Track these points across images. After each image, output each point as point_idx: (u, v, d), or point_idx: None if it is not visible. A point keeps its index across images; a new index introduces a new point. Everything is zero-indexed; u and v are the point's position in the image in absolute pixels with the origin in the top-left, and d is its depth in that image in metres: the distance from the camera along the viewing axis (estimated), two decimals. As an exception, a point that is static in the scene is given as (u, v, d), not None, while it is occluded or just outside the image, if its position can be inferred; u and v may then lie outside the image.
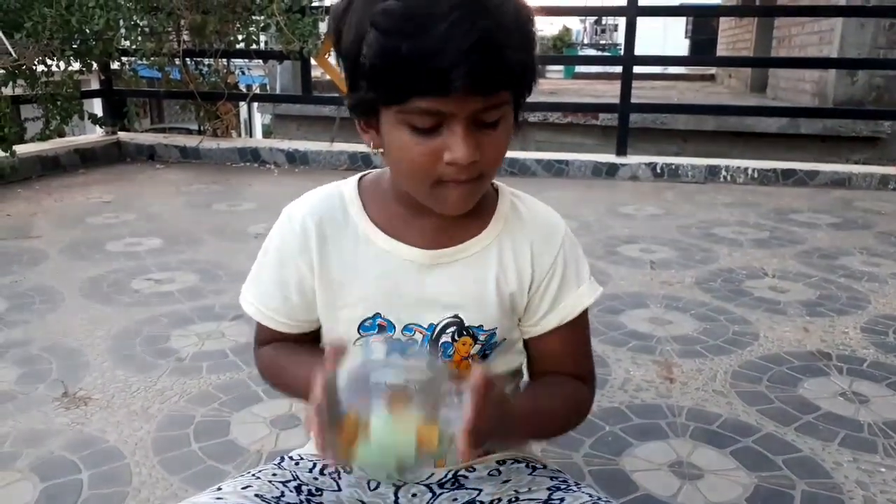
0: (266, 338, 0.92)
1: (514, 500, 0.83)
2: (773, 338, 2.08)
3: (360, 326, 0.84)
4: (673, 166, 4.60)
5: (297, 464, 0.92)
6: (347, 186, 0.88)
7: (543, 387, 0.88)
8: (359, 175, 0.90)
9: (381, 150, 0.78)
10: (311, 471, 0.90)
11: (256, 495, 0.81)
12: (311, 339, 0.93)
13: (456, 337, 0.84)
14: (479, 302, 0.84)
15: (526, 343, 0.91)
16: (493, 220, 0.86)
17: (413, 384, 0.65)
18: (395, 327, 0.84)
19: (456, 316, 0.84)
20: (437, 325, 0.83)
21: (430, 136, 0.71)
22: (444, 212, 0.79)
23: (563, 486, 0.84)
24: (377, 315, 0.84)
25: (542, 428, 0.87)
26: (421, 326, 0.83)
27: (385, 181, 0.85)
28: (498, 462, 0.91)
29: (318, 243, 0.85)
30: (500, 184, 0.90)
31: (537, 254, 0.86)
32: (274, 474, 0.88)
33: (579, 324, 0.90)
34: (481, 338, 0.85)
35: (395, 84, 0.69)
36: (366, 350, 0.69)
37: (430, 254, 0.83)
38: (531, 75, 0.75)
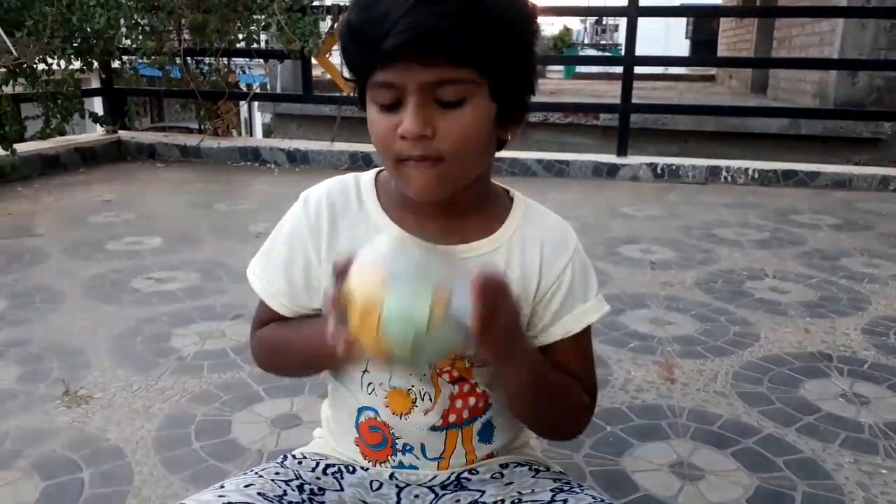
0: (265, 319, 0.93)
1: (517, 501, 0.83)
2: (773, 339, 2.09)
3: None
4: (674, 167, 4.60)
5: (300, 463, 0.92)
6: (365, 176, 0.90)
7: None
8: (378, 169, 0.91)
9: None
10: (313, 470, 0.90)
11: (259, 493, 0.81)
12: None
13: None
14: None
15: None
16: (504, 224, 0.86)
17: (426, 267, 0.66)
18: None
19: None
20: None
21: (392, 112, 0.74)
22: (412, 196, 0.79)
23: (566, 488, 0.84)
24: None
25: (543, 382, 0.83)
26: None
27: None
28: (501, 465, 0.91)
29: (330, 227, 0.86)
30: (516, 192, 0.90)
31: (546, 263, 0.86)
32: (277, 473, 0.88)
33: (583, 339, 0.89)
34: None
35: (354, 59, 0.74)
36: (374, 244, 0.69)
37: None
38: (509, 66, 0.75)
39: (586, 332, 0.89)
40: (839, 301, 2.41)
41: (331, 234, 0.86)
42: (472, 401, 0.88)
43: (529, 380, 0.80)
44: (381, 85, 0.73)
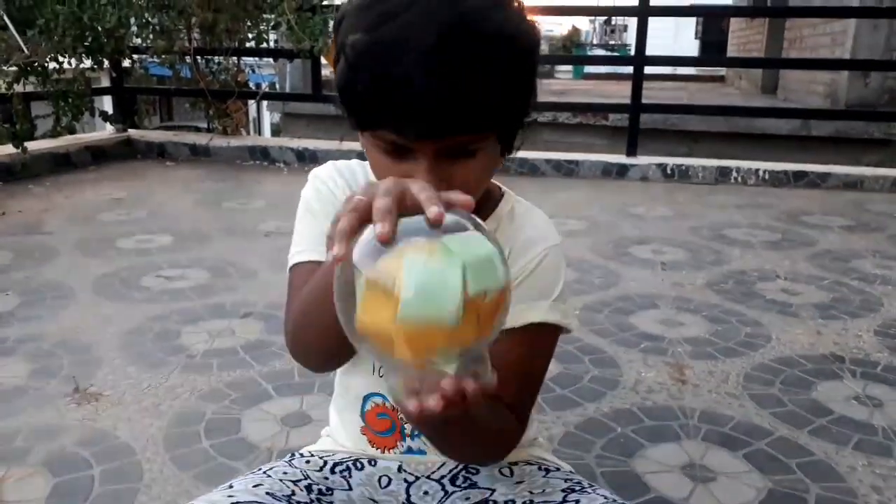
0: (301, 285, 0.84)
1: (528, 501, 0.83)
2: (785, 340, 2.07)
3: None
4: (683, 167, 4.57)
5: (307, 462, 0.92)
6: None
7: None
8: None
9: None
10: (321, 469, 0.90)
11: (268, 493, 0.81)
12: None
13: None
14: None
15: None
16: (488, 220, 0.85)
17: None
18: None
19: None
20: None
21: (401, 160, 0.70)
22: None
23: (577, 489, 0.83)
24: None
25: (475, 429, 0.71)
26: None
27: None
28: (510, 462, 0.90)
29: (343, 191, 0.86)
30: (508, 190, 0.89)
31: (512, 259, 0.83)
32: (285, 472, 0.87)
33: (530, 342, 0.81)
34: None
35: (359, 113, 0.69)
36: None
37: None
38: (519, 111, 0.73)
39: (537, 338, 0.81)
40: (851, 303, 2.39)
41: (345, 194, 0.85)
42: None
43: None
44: (389, 141, 0.69)
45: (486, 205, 0.86)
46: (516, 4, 0.70)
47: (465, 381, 0.55)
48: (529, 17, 0.71)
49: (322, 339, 0.73)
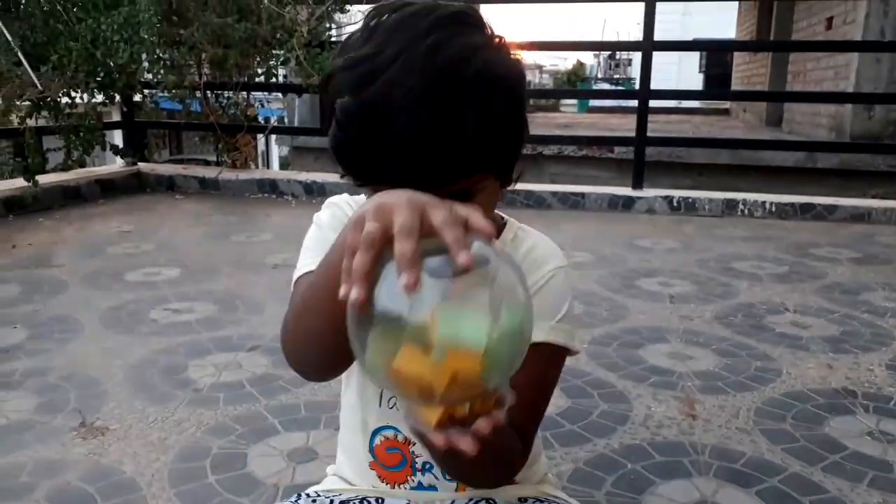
0: None
1: (538, 539, 0.82)
2: (796, 374, 2.05)
3: None
4: (690, 200, 4.58)
5: (313, 501, 0.91)
6: None
7: None
8: None
9: None
10: (327, 508, 0.89)
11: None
12: None
13: None
14: None
15: None
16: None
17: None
18: None
19: None
20: None
21: None
22: None
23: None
24: None
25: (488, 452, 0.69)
26: None
27: None
28: (520, 500, 0.89)
29: None
30: (510, 218, 0.90)
31: None
32: (291, 512, 0.87)
33: (534, 362, 0.74)
34: None
35: (355, 173, 0.72)
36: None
37: None
38: (512, 148, 0.74)
39: (540, 359, 0.78)
40: (862, 336, 2.37)
41: None
42: None
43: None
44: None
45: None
46: (495, 41, 0.71)
47: (496, 416, 0.56)
48: (510, 52, 0.72)
49: (318, 344, 0.72)
